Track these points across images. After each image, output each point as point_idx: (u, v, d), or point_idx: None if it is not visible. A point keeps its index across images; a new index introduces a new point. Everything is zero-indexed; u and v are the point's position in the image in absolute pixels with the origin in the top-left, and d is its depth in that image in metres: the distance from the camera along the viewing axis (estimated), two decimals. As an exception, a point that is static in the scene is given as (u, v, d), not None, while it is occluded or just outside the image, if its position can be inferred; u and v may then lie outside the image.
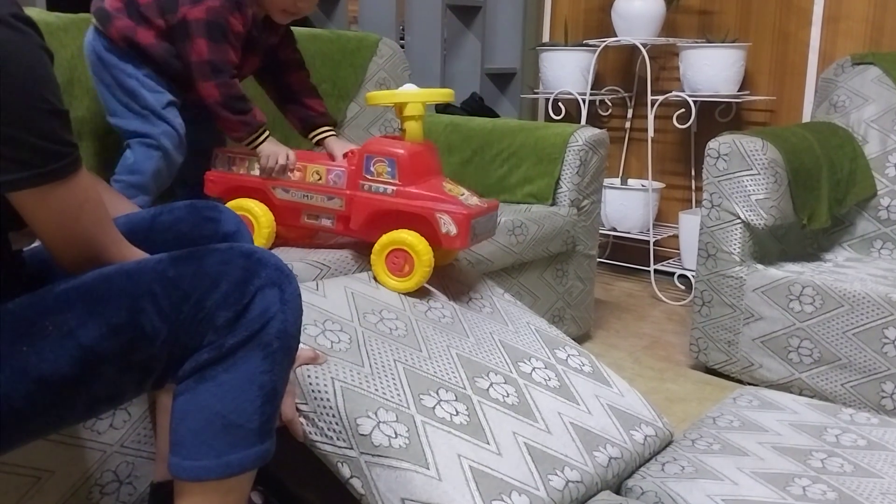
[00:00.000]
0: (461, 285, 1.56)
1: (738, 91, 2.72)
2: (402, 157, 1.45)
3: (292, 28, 1.68)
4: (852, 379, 1.81)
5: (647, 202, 2.82)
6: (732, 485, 1.17)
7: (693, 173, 3.03)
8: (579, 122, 2.62)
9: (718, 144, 1.96)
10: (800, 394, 1.85)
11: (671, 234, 2.93)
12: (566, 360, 1.43)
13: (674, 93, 2.74)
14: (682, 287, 2.86)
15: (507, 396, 1.25)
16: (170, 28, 1.48)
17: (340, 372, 1.15)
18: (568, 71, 2.93)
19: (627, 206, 2.85)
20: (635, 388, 1.45)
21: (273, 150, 1.53)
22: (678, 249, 2.88)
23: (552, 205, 2.10)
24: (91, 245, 0.88)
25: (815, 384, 1.86)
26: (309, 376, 1.13)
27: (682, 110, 2.77)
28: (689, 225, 2.71)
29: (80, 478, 1.13)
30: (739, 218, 1.94)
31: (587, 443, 1.22)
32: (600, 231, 2.35)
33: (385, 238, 1.45)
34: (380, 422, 1.09)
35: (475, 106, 3.10)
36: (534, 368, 1.36)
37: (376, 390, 1.14)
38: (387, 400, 1.13)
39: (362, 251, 1.53)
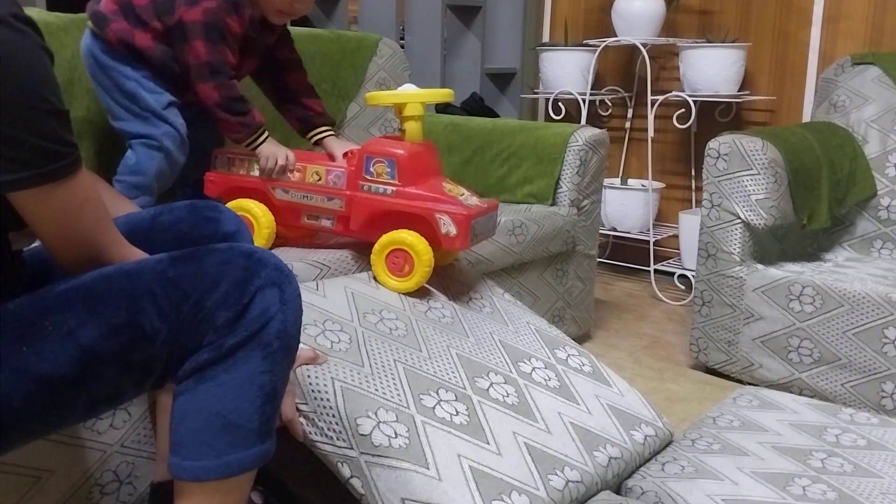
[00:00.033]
0: (461, 285, 1.56)
1: (738, 91, 2.72)
2: (402, 157, 1.45)
3: (291, 28, 1.68)
4: (852, 379, 1.81)
5: (647, 202, 2.82)
6: (732, 485, 1.17)
7: (693, 173, 3.03)
8: (579, 122, 2.61)
9: (718, 144, 1.96)
10: (800, 394, 1.85)
11: (671, 234, 2.93)
12: (566, 359, 1.43)
13: (674, 93, 2.74)
14: (682, 287, 2.86)
15: (507, 396, 1.25)
16: (167, 30, 1.47)
17: (340, 372, 1.15)
18: (568, 71, 2.93)
19: (627, 206, 2.85)
20: (635, 388, 1.45)
21: (272, 151, 1.53)
22: (678, 249, 2.88)
23: (552, 205, 2.10)
24: (91, 245, 0.88)
25: (815, 384, 1.86)
26: (309, 376, 1.13)
27: (682, 110, 2.77)
28: (689, 225, 2.71)
29: (80, 478, 1.13)
30: (739, 218, 1.94)
31: (587, 443, 1.22)
32: (600, 231, 2.35)
33: (385, 238, 1.45)
34: (380, 422, 1.09)
35: (475, 106, 3.11)
36: (534, 368, 1.36)
37: (376, 390, 1.15)
38: (387, 400, 1.13)
39: (362, 251, 1.53)
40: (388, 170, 1.46)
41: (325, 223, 1.55)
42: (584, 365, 1.43)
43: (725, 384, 2.01)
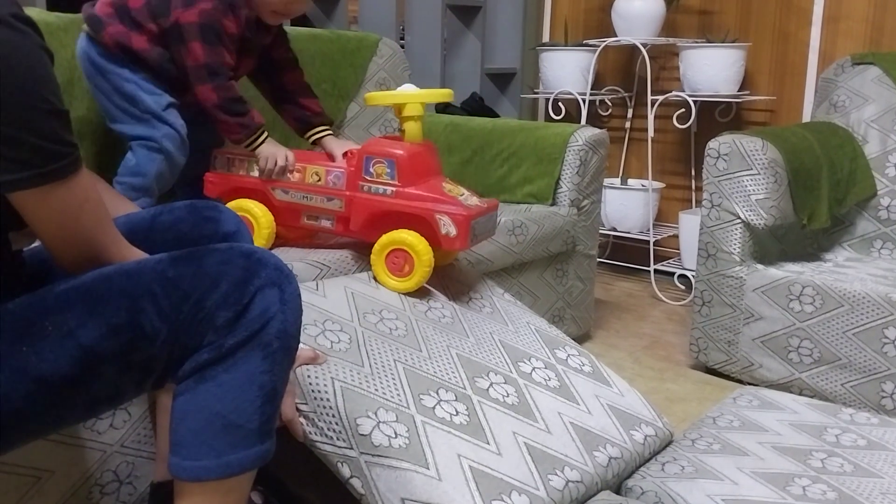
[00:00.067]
0: (461, 285, 1.56)
1: (738, 91, 2.72)
2: (402, 157, 1.45)
3: (291, 28, 1.68)
4: (852, 379, 1.81)
5: (647, 202, 2.82)
6: (732, 485, 1.17)
7: (693, 173, 3.03)
8: (579, 122, 2.61)
9: (718, 144, 1.96)
10: (800, 394, 1.85)
11: (671, 234, 2.93)
12: (566, 359, 1.43)
13: (674, 93, 2.74)
14: (682, 287, 2.86)
15: (507, 396, 1.25)
16: (162, 32, 1.47)
17: (340, 372, 1.15)
18: (568, 71, 2.93)
19: (627, 206, 2.85)
20: (635, 388, 1.45)
21: (272, 152, 1.53)
22: (678, 249, 2.88)
23: (552, 205, 2.10)
24: (91, 245, 0.88)
25: (815, 384, 1.86)
26: (309, 376, 1.13)
27: (682, 110, 2.77)
28: (689, 225, 2.71)
29: (80, 478, 1.13)
30: (739, 218, 1.94)
31: (587, 443, 1.22)
32: (600, 231, 2.35)
33: (385, 238, 1.45)
34: (380, 422, 1.09)
35: (475, 106, 3.10)
36: (534, 368, 1.36)
37: (376, 390, 1.15)
38: (387, 400, 1.13)
39: (362, 251, 1.53)
40: (388, 170, 1.46)
41: (325, 224, 1.55)
42: (584, 365, 1.43)
43: (725, 384, 2.01)
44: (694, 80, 2.69)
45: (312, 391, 1.12)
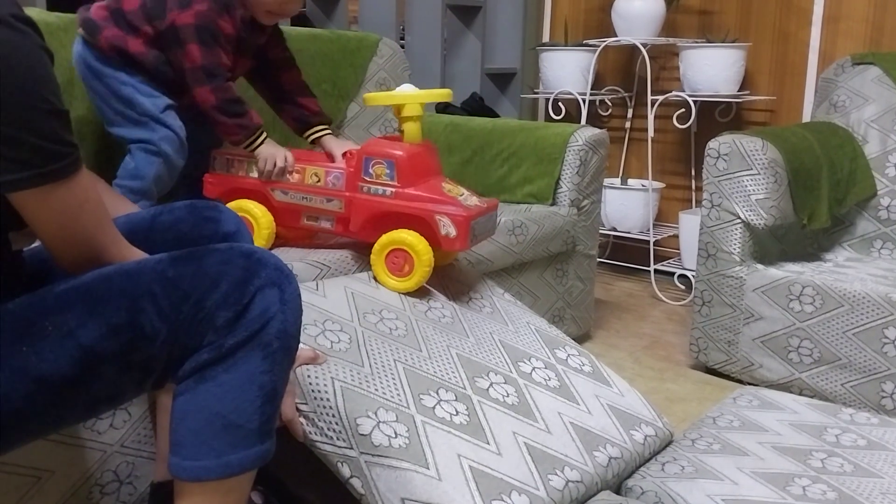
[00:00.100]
0: (461, 285, 1.56)
1: (738, 91, 2.72)
2: (401, 158, 1.45)
3: (292, 28, 1.68)
4: (852, 379, 1.81)
5: (647, 202, 2.82)
6: (732, 485, 1.17)
7: (693, 173, 3.03)
8: (579, 122, 2.61)
9: (718, 144, 1.96)
10: (800, 394, 1.85)
11: (671, 234, 2.93)
12: (566, 359, 1.43)
13: (674, 93, 2.74)
14: (682, 287, 2.86)
15: (507, 396, 1.25)
16: (158, 34, 1.47)
17: (340, 372, 1.15)
18: (568, 71, 2.93)
19: (627, 206, 2.85)
20: (635, 388, 1.45)
21: (271, 153, 1.52)
22: (678, 249, 2.88)
23: (552, 205, 2.10)
24: (91, 245, 0.88)
25: (815, 384, 1.86)
26: (309, 376, 1.13)
27: (682, 110, 2.77)
28: (689, 225, 2.71)
29: (80, 478, 1.13)
30: (739, 218, 1.94)
31: (587, 443, 1.22)
32: (600, 231, 2.35)
33: (385, 238, 1.45)
34: (380, 422, 1.09)
35: (475, 106, 3.11)
36: (534, 368, 1.36)
37: (376, 390, 1.15)
38: (387, 400, 1.13)
39: (362, 251, 1.53)
40: (388, 171, 1.46)
41: (325, 224, 1.55)
42: (584, 365, 1.43)
43: (725, 384, 2.01)
44: (694, 80, 2.69)
45: (312, 391, 1.12)
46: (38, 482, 1.08)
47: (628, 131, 3.17)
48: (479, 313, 1.49)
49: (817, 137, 2.11)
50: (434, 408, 1.15)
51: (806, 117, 2.73)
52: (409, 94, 1.49)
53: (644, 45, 2.76)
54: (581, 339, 2.25)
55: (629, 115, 3.15)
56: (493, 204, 1.53)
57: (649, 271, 2.83)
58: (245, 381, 0.87)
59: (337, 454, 1.08)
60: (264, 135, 1.53)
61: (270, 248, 1.51)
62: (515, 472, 1.09)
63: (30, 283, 0.89)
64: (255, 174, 1.56)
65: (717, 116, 2.90)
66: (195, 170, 1.59)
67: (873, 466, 1.24)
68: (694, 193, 3.04)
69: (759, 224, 1.92)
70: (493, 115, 3.12)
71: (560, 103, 2.97)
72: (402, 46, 3.01)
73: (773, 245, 2.05)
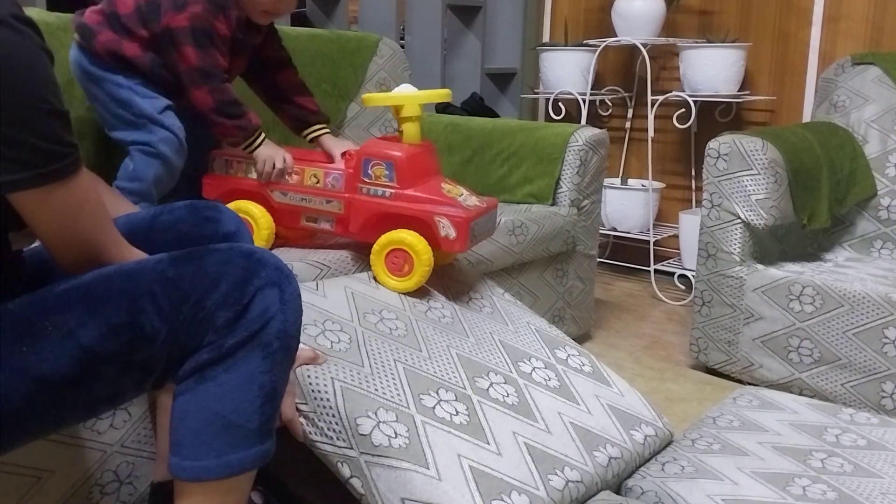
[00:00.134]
0: (461, 285, 1.56)
1: (738, 91, 2.72)
2: (400, 159, 1.45)
3: (291, 28, 1.68)
4: (852, 379, 1.81)
5: (647, 202, 2.82)
6: (732, 485, 1.17)
7: (693, 173, 3.03)
8: (579, 122, 2.61)
9: (718, 144, 1.96)
10: (800, 394, 1.85)
11: (671, 234, 2.93)
12: (566, 359, 1.43)
13: (674, 93, 2.74)
14: (682, 287, 2.86)
15: (507, 396, 1.25)
16: (154, 37, 1.47)
17: (340, 372, 1.15)
18: (568, 71, 2.93)
19: (627, 206, 2.86)
20: (635, 388, 1.45)
21: (269, 154, 1.52)
22: (678, 249, 2.88)
23: (552, 205, 2.10)
24: (91, 245, 0.88)
25: (815, 384, 1.86)
26: (309, 376, 1.13)
27: (682, 110, 2.77)
28: (689, 225, 2.71)
29: (80, 478, 1.13)
30: (739, 218, 1.94)
31: (587, 443, 1.22)
32: (600, 231, 2.35)
33: (384, 238, 1.45)
34: (380, 422, 1.09)
35: (475, 106, 3.11)
36: (534, 368, 1.36)
37: (376, 390, 1.15)
38: (387, 400, 1.13)
39: (362, 251, 1.53)
40: (387, 172, 1.46)
41: (325, 225, 1.55)
42: (584, 365, 1.43)
43: (725, 384, 2.01)
44: (694, 80, 2.69)
45: (312, 391, 1.12)
46: (38, 482, 1.08)
47: (628, 131, 3.17)
48: (479, 313, 1.49)
49: (817, 137, 2.11)
50: (434, 408, 1.15)
51: (806, 117, 2.73)
52: (407, 95, 1.49)
53: (644, 45, 2.76)
54: (581, 339, 2.25)
55: (629, 115, 3.15)
56: (492, 203, 1.53)
57: (649, 271, 2.83)
58: (245, 381, 0.87)
59: (337, 454, 1.08)
60: (263, 136, 1.53)
61: (270, 249, 1.51)
62: (515, 472, 1.09)
63: (30, 283, 0.89)
64: (254, 175, 1.56)
65: (717, 116, 2.90)
66: (195, 170, 1.59)
67: (873, 466, 1.24)
68: (694, 193, 3.04)
69: (759, 224, 1.92)
70: (493, 115, 3.12)
71: (560, 103, 2.97)
72: (402, 46, 3.01)
73: (773, 245, 2.05)
